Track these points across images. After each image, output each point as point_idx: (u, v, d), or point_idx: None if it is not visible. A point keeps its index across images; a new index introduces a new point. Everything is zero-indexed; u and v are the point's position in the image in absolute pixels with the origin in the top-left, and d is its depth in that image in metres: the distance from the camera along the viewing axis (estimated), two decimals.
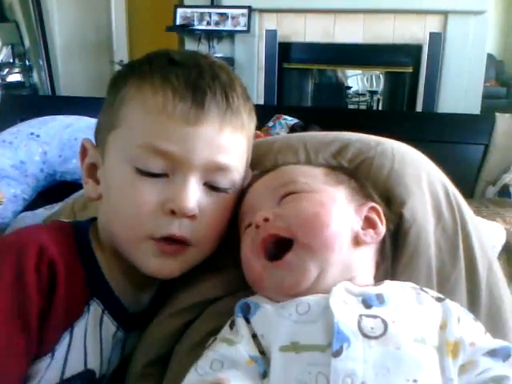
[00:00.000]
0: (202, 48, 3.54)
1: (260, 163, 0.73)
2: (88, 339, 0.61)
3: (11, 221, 1.63)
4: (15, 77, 3.67)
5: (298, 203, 0.59)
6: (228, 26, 3.42)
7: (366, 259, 0.61)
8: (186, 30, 3.47)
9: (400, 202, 0.68)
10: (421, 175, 0.72)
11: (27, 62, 3.70)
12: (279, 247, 0.57)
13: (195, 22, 3.44)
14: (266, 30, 3.44)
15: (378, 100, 3.78)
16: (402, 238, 0.66)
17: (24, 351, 0.55)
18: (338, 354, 0.47)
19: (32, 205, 1.78)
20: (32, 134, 1.86)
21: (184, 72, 0.61)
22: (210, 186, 0.62)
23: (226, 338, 0.55)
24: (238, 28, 3.41)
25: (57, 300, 0.57)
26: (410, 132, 2.13)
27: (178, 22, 3.47)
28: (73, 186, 1.78)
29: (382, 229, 0.62)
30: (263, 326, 0.54)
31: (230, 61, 3.54)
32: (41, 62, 3.59)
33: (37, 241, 0.58)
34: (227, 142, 0.61)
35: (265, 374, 0.51)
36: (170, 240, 0.60)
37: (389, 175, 0.71)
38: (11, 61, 3.63)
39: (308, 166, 0.68)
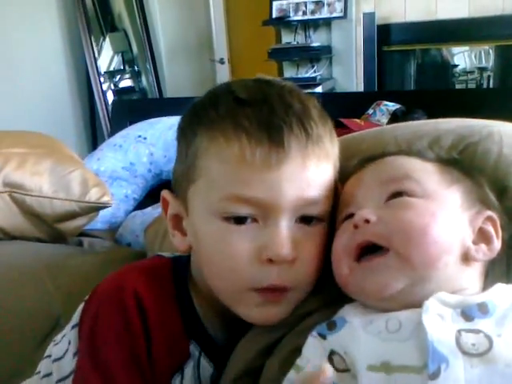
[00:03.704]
0: (299, 38, 3.53)
1: (348, 167, 0.66)
2: (189, 382, 0.63)
3: (123, 220, 1.76)
4: (126, 82, 3.88)
5: (406, 211, 0.54)
6: (324, 13, 3.36)
7: (473, 274, 0.55)
8: (282, 22, 3.47)
9: None
10: None
11: (136, 68, 3.91)
12: (375, 248, 0.54)
13: (291, 14, 3.42)
14: (364, 14, 3.33)
15: (489, 77, 3.51)
16: None
17: None
18: (435, 376, 0.43)
19: (141, 204, 1.90)
20: (139, 136, 1.97)
21: (254, 111, 0.56)
22: (303, 221, 0.59)
23: (295, 365, 0.54)
24: (335, 14, 3.33)
25: (154, 344, 0.60)
26: None
27: (275, 15, 3.48)
28: None
29: (498, 244, 0.55)
30: (348, 342, 0.51)
31: (328, 49, 3.49)
32: (148, 67, 3.78)
33: (132, 286, 0.61)
34: (313, 175, 0.57)
35: None
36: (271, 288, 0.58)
37: (497, 162, 0.64)
38: (122, 67, 3.86)
39: (420, 160, 0.61)
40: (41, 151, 1.28)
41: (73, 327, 0.69)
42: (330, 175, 0.60)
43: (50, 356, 0.72)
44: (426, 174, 0.58)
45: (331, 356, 0.51)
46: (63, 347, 0.69)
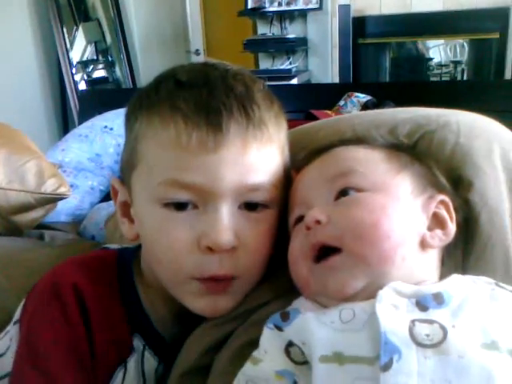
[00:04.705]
0: (275, 30, 3.50)
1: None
2: (133, 376, 0.61)
3: (88, 212, 1.71)
4: (100, 73, 3.81)
5: (355, 209, 0.52)
6: (300, 4, 3.34)
7: (431, 262, 0.54)
8: (258, 13, 3.44)
9: (467, 183, 0.60)
10: (493, 148, 0.62)
11: (110, 58, 3.84)
12: (330, 248, 0.52)
13: (266, 4, 3.39)
14: (339, 6, 3.33)
15: (463, 70, 3.54)
16: (471, 226, 0.58)
17: None
18: (387, 367, 0.42)
19: (108, 196, 1.86)
20: (106, 127, 1.93)
21: (193, 94, 0.54)
22: (247, 207, 0.56)
23: (252, 357, 0.52)
24: (310, 6, 3.32)
25: (96, 338, 0.58)
26: (499, 103, 1.98)
27: (250, 5, 3.44)
28: None
29: (452, 227, 0.55)
30: (303, 333, 0.49)
31: (303, 41, 3.47)
32: (122, 57, 3.72)
33: (70, 281, 0.59)
34: (255, 159, 0.55)
35: None
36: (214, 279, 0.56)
37: (453, 151, 0.63)
38: (95, 57, 3.79)
39: (365, 149, 0.60)
40: None
41: (14, 323, 0.67)
42: (276, 160, 0.58)
43: None
44: (372, 164, 0.57)
45: (288, 348, 0.50)
46: (5, 344, 0.67)
